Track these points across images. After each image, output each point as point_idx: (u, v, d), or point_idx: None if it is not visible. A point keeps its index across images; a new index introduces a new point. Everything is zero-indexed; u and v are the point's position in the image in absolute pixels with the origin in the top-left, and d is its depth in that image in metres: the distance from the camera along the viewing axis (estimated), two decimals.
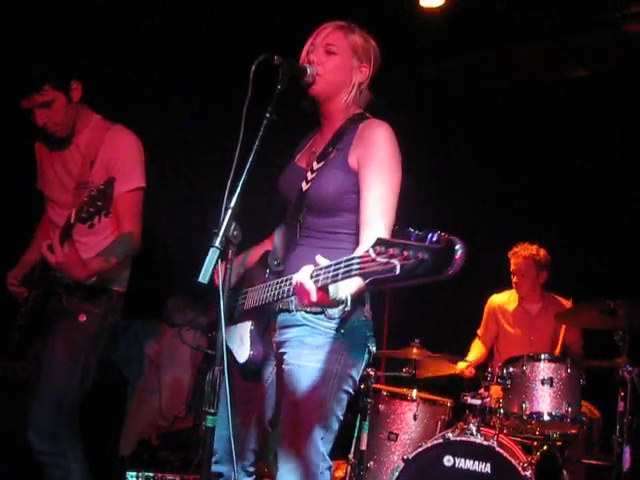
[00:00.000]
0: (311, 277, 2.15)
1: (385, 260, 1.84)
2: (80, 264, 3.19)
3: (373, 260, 1.88)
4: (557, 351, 5.05)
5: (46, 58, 3.39)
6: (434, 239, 1.77)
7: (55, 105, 3.34)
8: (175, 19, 5.17)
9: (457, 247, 1.74)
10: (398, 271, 1.81)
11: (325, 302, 2.18)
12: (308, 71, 2.62)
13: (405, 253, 1.80)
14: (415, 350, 4.63)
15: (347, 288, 2.22)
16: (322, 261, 2.14)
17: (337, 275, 2.04)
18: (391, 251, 1.83)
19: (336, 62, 2.67)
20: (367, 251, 1.90)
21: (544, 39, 5.50)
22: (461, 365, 5.12)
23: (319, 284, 2.12)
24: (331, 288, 2.15)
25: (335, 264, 2.06)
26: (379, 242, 1.88)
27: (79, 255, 3.20)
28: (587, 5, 5.12)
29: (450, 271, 1.74)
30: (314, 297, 2.14)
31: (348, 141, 2.62)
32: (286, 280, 2.37)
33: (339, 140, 2.66)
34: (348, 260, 1.99)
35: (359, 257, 1.95)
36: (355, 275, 1.96)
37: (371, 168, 2.53)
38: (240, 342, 2.60)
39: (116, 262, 3.36)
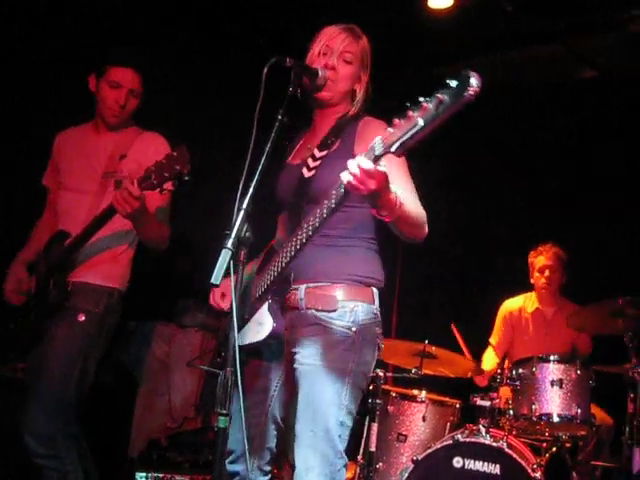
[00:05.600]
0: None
1: (405, 124, 1.94)
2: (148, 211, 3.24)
3: (393, 133, 1.98)
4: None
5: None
6: (449, 83, 1.88)
7: (139, 99, 3.57)
8: (183, 19, 5.19)
9: (470, 74, 1.84)
10: (421, 123, 1.90)
11: (384, 185, 2.18)
12: (320, 74, 2.64)
13: (424, 105, 1.90)
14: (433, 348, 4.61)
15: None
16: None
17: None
18: (410, 114, 1.93)
19: (350, 71, 2.72)
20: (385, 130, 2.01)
21: (553, 40, 5.49)
22: (485, 362, 5.09)
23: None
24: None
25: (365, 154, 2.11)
26: (395, 117, 1.99)
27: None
28: (595, 6, 5.10)
29: (469, 94, 1.84)
30: (377, 174, 2.12)
31: (350, 133, 2.66)
32: (314, 216, 2.38)
33: (340, 131, 2.69)
34: (370, 148, 2.07)
35: (379, 139, 2.04)
36: (381, 153, 2.04)
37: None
38: (259, 326, 2.58)
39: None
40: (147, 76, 3.58)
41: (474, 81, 1.83)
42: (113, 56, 3.56)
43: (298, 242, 2.43)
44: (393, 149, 1.99)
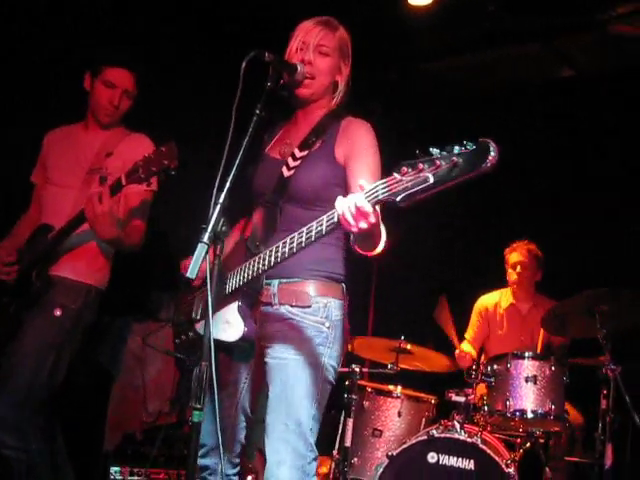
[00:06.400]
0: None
1: (414, 175, 1.88)
2: (115, 222, 3.23)
3: (399, 181, 1.92)
4: (538, 349, 5.06)
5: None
6: (465, 146, 1.82)
7: (132, 100, 3.62)
8: (183, 19, 5.17)
9: (491, 147, 1.78)
10: (432, 180, 1.85)
11: (376, 224, 2.14)
12: (299, 69, 2.64)
13: (437, 162, 1.84)
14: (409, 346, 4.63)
15: None
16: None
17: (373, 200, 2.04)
18: (420, 166, 1.87)
19: (328, 63, 2.72)
20: (391, 174, 1.94)
21: (532, 40, 5.51)
22: (465, 347, 5.11)
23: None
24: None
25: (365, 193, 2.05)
26: (403, 164, 1.91)
27: (116, 214, 3.28)
28: (575, 6, 5.13)
29: (487, 166, 1.78)
30: (373, 217, 2.09)
31: (332, 134, 2.66)
32: (300, 233, 2.30)
33: (322, 132, 2.68)
34: (371, 190, 2.02)
35: (383, 182, 1.98)
36: (384, 199, 1.99)
37: (362, 165, 2.56)
38: (226, 325, 2.58)
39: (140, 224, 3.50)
40: (146, 76, 3.60)
41: (493, 151, 1.77)
42: (109, 56, 3.59)
43: (279, 256, 2.39)
44: (398, 199, 1.94)
